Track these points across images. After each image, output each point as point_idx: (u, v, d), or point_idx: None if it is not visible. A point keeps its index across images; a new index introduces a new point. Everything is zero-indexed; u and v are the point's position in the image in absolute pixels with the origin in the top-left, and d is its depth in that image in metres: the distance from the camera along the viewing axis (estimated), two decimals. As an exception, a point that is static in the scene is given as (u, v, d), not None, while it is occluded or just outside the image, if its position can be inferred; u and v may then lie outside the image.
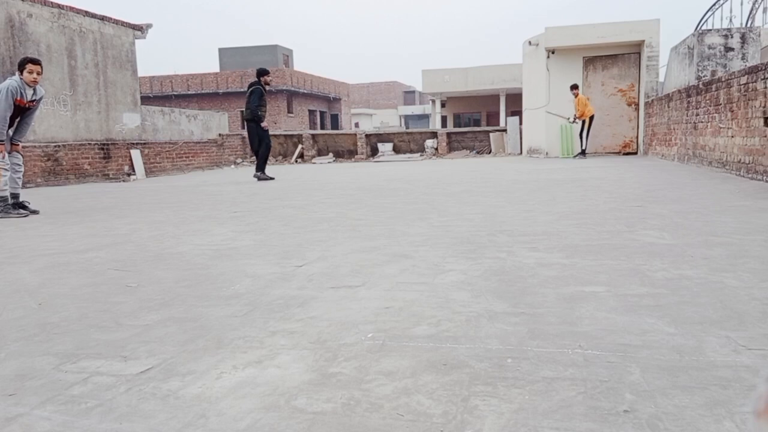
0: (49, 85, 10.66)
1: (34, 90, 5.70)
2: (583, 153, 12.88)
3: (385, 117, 49.07)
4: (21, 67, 5.58)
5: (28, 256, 3.45)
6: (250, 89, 9.76)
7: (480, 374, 1.51)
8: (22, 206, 5.73)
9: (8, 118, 5.54)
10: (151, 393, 1.47)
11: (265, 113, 9.82)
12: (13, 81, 5.51)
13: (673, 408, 1.29)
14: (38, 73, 5.59)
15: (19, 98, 5.53)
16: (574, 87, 12.89)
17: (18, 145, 5.82)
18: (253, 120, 9.73)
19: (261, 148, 9.80)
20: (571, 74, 14.15)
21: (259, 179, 9.55)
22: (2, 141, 5.55)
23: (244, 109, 9.96)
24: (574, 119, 12.96)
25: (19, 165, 5.86)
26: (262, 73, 9.85)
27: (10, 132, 5.69)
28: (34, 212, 5.72)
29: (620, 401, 1.33)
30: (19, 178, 5.82)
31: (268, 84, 9.94)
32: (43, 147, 10.34)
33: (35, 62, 5.64)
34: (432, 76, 28.96)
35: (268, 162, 10.30)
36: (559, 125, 14.27)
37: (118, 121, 12.37)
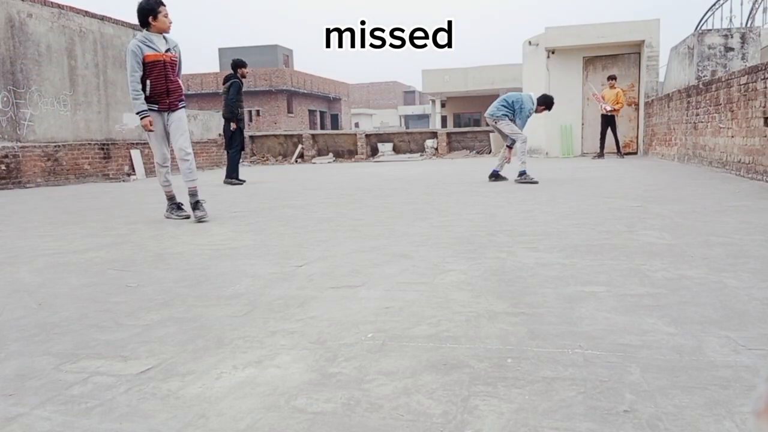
0: (49, 85, 10.66)
1: (166, 39, 4.65)
2: (618, 152, 12.58)
3: (385, 117, 49.07)
4: (150, 14, 4.53)
5: (28, 256, 3.44)
6: (229, 83, 8.76)
7: (480, 374, 1.51)
8: (194, 205, 4.82)
9: (140, 82, 4.59)
10: (151, 393, 1.47)
11: (242, 110, 8.91)
12: (133, 40, 4.58)
13: (673, 408, 1.29)
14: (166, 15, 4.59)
15: (149, 53, 4.55)
16: (612, 77, 12.52)
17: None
18: (232, 118, 8.79)
19: (231, 150, 8.84)
20: (571, 74, 14.15)
21: (232, 184, 8.73)
22: (145, 113, 4.62)
23: (223, 107, 8.96)
24: (611, 109, 12.27)
25: (183, 152, 4.76)
26: (239, 64, 8.80)
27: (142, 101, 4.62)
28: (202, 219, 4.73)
29: (620, 401, 1.33)
30: (188, 169, 4.85)
31: (245, 77, 8.94)
32: (43, 147, 10.35)
33: (163, 3, 4.59)
34: (432, 76, 28.96)
35: (241, 164, 9.29)
36: (559, 125, 14.26)
37: (118, 121, 12.37)
